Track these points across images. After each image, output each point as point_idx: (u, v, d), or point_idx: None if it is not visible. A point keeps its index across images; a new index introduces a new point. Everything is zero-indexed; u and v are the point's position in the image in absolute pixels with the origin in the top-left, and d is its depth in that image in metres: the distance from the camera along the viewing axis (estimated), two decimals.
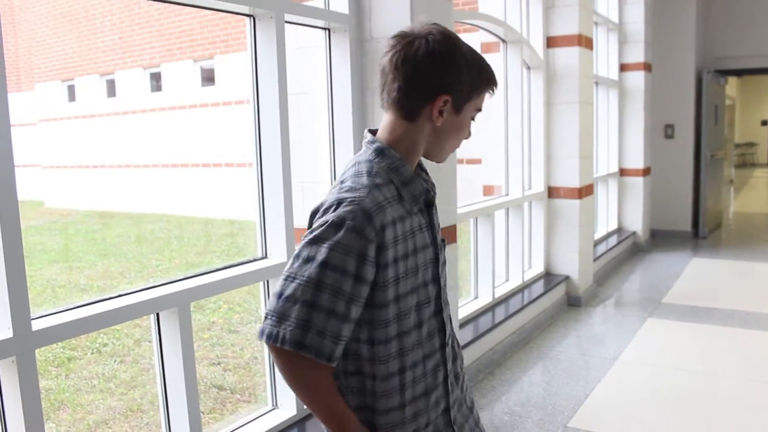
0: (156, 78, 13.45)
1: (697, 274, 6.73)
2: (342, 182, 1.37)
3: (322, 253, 1.27)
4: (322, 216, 1.32)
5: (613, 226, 7.79)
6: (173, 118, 12.94)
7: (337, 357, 1.30)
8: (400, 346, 1.39)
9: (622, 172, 7.94)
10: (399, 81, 1.36)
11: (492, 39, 5.01)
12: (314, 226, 1.32)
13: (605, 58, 7.36)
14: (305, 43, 3.46)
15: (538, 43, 5.35)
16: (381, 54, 1.41)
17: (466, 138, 1.50)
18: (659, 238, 8.56)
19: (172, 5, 3.07)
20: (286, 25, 2.78)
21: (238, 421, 2.85)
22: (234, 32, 11.97)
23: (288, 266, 1.32)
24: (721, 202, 9.84)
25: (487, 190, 5.68)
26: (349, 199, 1.30)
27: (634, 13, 7.66)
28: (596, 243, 6.86)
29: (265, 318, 1.30)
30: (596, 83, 6.95)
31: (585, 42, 5.48)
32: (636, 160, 7.89)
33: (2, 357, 1.85)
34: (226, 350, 5.16)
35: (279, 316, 1.28)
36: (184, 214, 12.22)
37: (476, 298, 4.68)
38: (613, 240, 7.29)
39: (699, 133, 8.52)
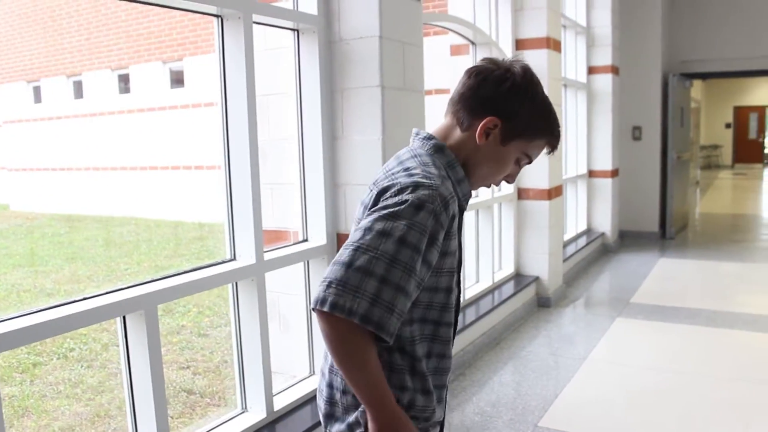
0: (124, 80, 13.29)
1: (665, 274, 6.83)
2: (407, 169, 1.39)
3: (399, 229, 1.27)
4: (397, 196, 1.32)
5: (583, 227, 7.87)
6: (142, 120, 12.80)
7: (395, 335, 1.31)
8: (436, 333, 1.46)
9: (591, 174, 8.03)
10: (464, 89, 1.45)
11: (461, 41, 5.04)
12: (388, 203, 1.32)
13: (573, 61, 7.44)
14: (274, 44, 3.45)
15: (506, 45, 5.39)
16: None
17: (508, 180, 1.55)
18: (628, 239, 8.68)
19: (139, 5, 3.03)
20: (255, 26, 2.76)
21: (207, 425, 2.81)
22: (203, 34, 11.88)
23: (358, 237, 1.29)
24: (688, 203, 10.00)
25: None
26: (426, 184, 1.33)
27: (602, 17, 7.77)
28: (566, 244, 6.92)
29: (328, 286, 1.25)
30: (565, 86, 7.02)
31: (553, 45, 5.54)
32: (604, 161, 7.99)
33: None
34: (195, 354, 5.11)
35: (345, 286, 1.25)
36: (154, 218, 12.08)
37: None
38: (583, 241, 7.37)
39: (666, 135, 8.66)
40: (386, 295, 1.26)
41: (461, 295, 1.56)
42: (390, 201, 1.32)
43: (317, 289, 1.27)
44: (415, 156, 1.44)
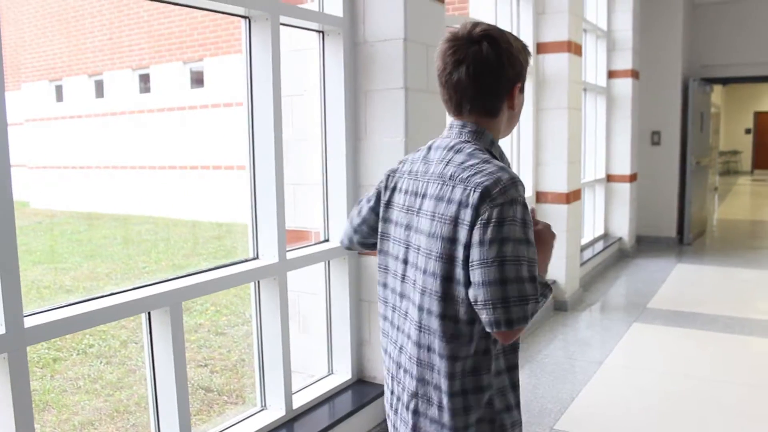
0: (144, 79, 13.40)
1: (682, 280, 6.79)
2: (485, 161, 1.44)
3: (531, 233, 1.40)
4: (505, 194, 1.37)
5: (600, 231, 7.85)
6: (162, 119, 12.89)
7: None
8: None
9: (609, 178, 8.00)
10: (471, 78, 1.54)
11: None
12: (508, 212, 1.36)
13: (594, 64, 7.42)
14: (299, 46, 3.48)
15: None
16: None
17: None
18: (645, 244, 8.63)
19: (165, 5, 3.07)
20: (281, 27, 2.80)
21: (226, 422, 2.84)
22: (223, 35, 11.95)
23: (510, 251, 1.35)
24: (706, 209, 9.93)
25: None
26: (515, 177, 1.42)
27: (623, 21, 7.74)
28: (583, 248, 6.90)
29: (508, 308, 1.34)
30: (585, 89, 7.01)
31: (574, 48, 5.53)
32: (623, 166, 7.96)
33: None
34: (213, 352, 5.15)
35: (522, 299, 1.35)
36: (172, 217, 12.17)
37: None
38: (600, 245, 7.35)
39: (685, 140, 8.61)
40: (531, 289, 1.38)
41: None
42: (505, 209, 1.36)
43: (484, 313, 1.36)
44: (465, 142, 1.50)
